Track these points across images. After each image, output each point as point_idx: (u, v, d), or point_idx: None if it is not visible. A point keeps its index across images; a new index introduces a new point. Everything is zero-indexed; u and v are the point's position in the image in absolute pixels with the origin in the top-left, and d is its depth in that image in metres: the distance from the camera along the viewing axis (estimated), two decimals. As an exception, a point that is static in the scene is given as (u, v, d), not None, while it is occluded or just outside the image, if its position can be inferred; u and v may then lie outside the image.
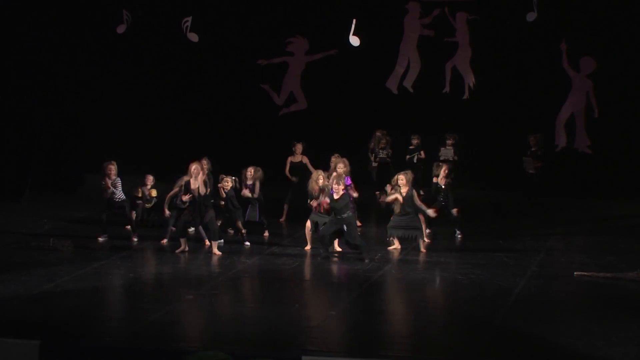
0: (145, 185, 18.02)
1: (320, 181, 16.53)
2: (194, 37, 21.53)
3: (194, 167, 16.26)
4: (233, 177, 17.13)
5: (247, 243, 16.88)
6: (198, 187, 16.10)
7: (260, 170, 17.64)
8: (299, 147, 19.10)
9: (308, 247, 16.61)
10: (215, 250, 16.18)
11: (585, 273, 14.91)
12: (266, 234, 17.73)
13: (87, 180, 22.04)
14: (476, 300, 13.53)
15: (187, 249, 16.24)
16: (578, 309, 13.21)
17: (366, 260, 15.74)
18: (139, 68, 22.55)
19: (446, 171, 17.45)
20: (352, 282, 14.91)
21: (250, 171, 17.56)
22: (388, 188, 16.82)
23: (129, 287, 14.30)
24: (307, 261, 15.92)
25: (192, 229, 16.88)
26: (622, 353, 11.20)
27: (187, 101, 22.62)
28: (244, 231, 16.92)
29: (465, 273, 15.03)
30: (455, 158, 20.42)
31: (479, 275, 14.93)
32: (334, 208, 15.93)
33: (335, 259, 16.08)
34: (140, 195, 17.90)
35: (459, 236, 17.57)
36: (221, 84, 22.53)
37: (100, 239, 17.04)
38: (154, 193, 17.94)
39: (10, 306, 12.83)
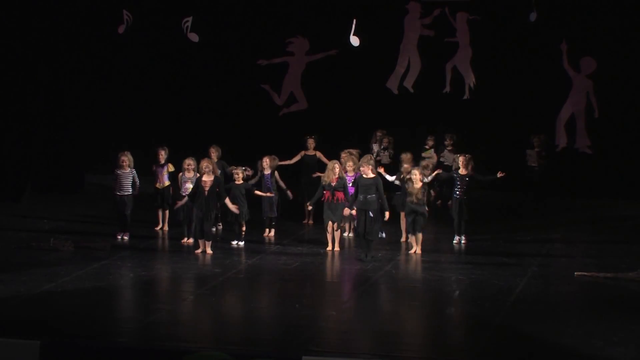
0: (160, 164, 17.71)
1: (337, 170, 16.48)
2: (194, 37, 21.51)
3: (205, 164, 16.22)
4: (243, 168, 17.08)
5: (241, 243, 16.75)
6: (207, 184, 16.09)
7: (277, 158, 17.62)
8: (311, 142, 19.13)
9: (329, 248, 16.51)
10: (208, 250, 16.13)
11: (585, 273, 14.91)
12: (272, 233, 17.65)
13: (88, 180, 22.04)
14: (476, 300, 13.52)
15: (209, 250, 16.16)
16: (578, 309, 13.20)
17: (367, 258, 15.70)
18: (139, 68, 22.54)
19: (466, 162, 17.21)
20: (352, 282, 14.91)
21: (266, 161, 17.47)
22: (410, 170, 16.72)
23: (129, 287, 14.30)
24: (308, 261, 15.90)
25: (213, 228, 16.84)
26: (622, 353, 11.20)
27: (187, 102, 22.61)
28: (243, 229, 16.88)
29: (465, 273, 15.03)
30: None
31: (479, 275, 14.92)
32: (363, 185, 15.73)
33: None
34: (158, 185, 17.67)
35: (463, 242, 17.29)
36: (221, 84, 22.51)
37: (119, 237, 17.11)
38: (171, 168, 17.69)
39: (10, 306, 12.82)
